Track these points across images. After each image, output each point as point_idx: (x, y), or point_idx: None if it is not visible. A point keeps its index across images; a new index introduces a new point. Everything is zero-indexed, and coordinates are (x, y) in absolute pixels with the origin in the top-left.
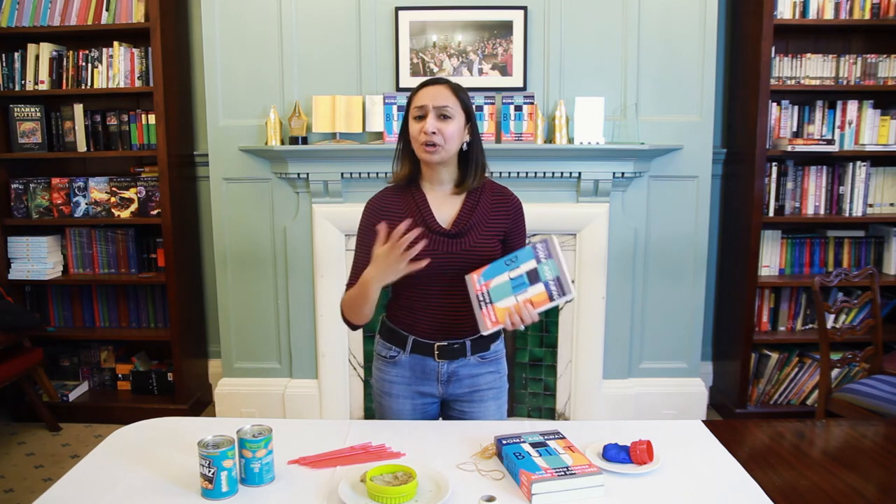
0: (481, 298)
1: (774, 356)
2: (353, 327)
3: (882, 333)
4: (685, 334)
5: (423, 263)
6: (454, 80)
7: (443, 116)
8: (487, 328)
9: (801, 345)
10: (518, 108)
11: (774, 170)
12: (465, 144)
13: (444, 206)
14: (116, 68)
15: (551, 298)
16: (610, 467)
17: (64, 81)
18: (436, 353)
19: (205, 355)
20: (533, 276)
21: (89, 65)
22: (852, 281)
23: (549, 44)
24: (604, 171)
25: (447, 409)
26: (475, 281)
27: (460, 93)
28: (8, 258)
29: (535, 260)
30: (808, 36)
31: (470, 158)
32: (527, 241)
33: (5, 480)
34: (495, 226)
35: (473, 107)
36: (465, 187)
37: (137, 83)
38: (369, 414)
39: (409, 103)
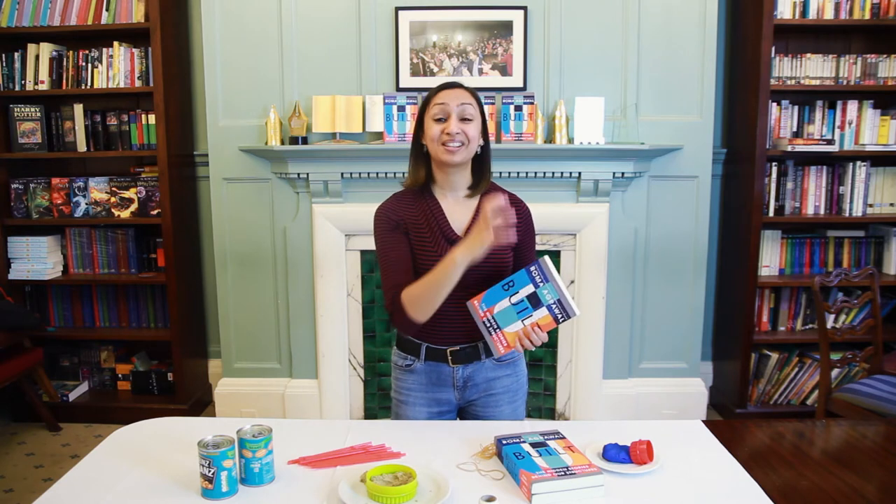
0: (488, 325)
1: (774, 356)
2: (414, 326)
3: (882, 333)
4: (685, 334)
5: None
6: (454, 80)
7: (464, 119)
8: (500, 352)
9: (801, 345)
10: (518, 108)
11: (774, 170)
12: (479, 148)
13: (457, 212)
14: (116, 68)
15: (557, 321)
16: (610, 467)
17: (64, 81)
18: (449, 358)
19: (205, 355)
20: (534, 301)
21: (89, 65)
22: (852, 281)
23: (549, 44)
24: (604, 171)
25: (462, 414)
26: (477, 307)
27: (477, 96)
28: (8, 258)
29: (533, 284)
30: (808, 36)
31: (483, 162)
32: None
33: (5, 480)
34: None
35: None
36: (478, 190)
37: (137, 83)
38: (369, 414)
39: (425, 105)
